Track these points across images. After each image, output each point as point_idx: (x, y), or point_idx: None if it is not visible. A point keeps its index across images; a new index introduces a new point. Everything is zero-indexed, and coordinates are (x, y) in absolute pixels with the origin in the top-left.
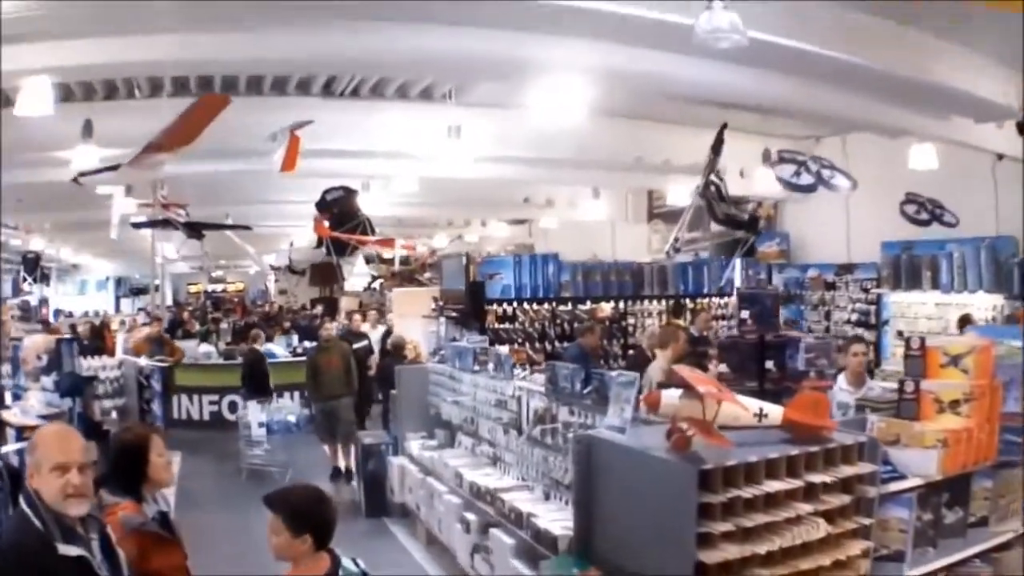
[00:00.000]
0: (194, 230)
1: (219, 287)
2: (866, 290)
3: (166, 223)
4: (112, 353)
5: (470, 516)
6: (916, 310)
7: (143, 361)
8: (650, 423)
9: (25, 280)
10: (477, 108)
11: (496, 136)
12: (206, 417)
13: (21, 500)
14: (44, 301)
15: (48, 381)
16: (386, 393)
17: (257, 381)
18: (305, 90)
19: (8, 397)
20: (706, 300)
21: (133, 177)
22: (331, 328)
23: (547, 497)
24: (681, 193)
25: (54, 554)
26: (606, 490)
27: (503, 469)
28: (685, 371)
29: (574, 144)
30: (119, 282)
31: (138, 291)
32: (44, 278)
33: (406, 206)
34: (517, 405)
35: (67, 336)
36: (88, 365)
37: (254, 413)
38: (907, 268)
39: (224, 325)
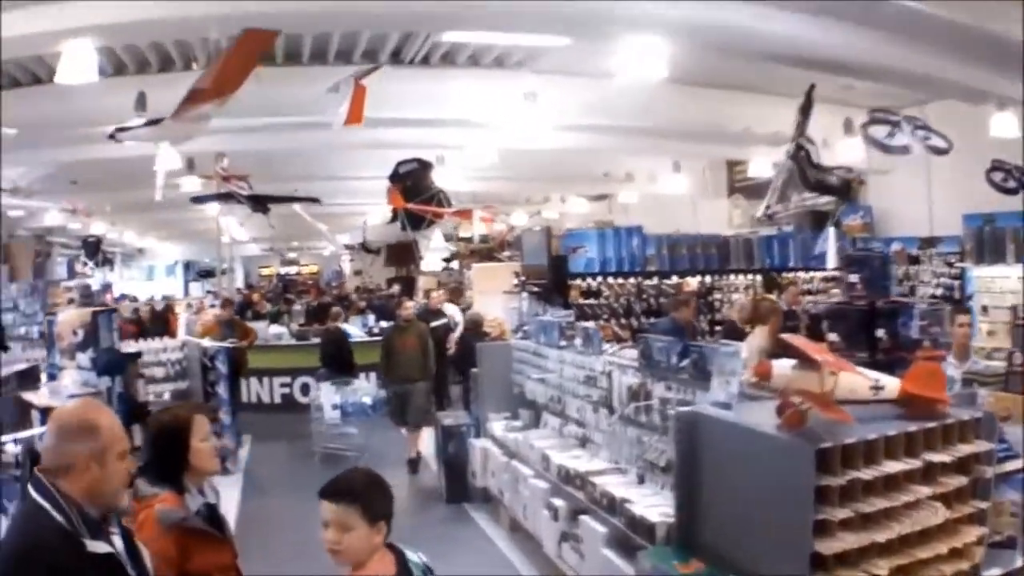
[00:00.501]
0: (258, 203)
1: (292, 269)
2: (950, 264)
3: (228, 196)
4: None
5: (558, 502)
6: (1000, 284)
7: (207, 342)
8: (757, 398)
9: (85, 264)
10: (552, 75)
11: (572, 104)
12: (277, 400)
13: (32, 492)
14: (108, 286)
15: (84, 358)
16: (466, 372)
17: (339, 360)
18: (372, 58)
19: (44, 377)
20: (791, 274)
21: (177, 132)
22: (410, 307)
23: (641, 481)
24: (763, 164)
25: (81, 551)
26: (710, 472)
27: (593, 451)
28: (799, 340)
29: (652, 112)
30: (187, 266)
31: (206, 274)
32: (106, 262)
33: (482, 180)
34: (607, 382)
35: (104, 308)
36: (147, 347)
37: (328, 395)
38: (990, 241)
39: (297, 307)
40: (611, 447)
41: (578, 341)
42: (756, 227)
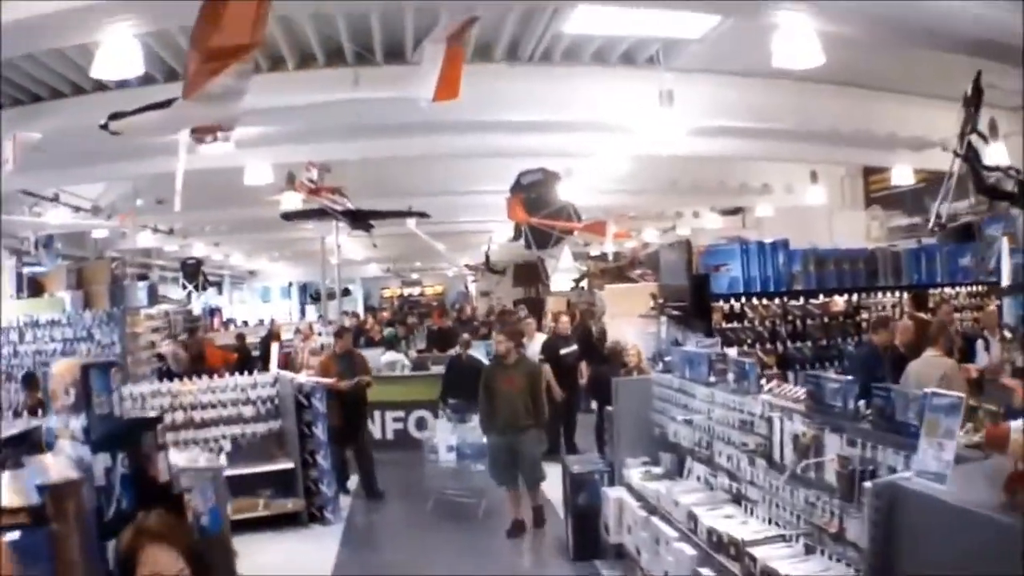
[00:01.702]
0: (357, 220)
1: (416, 290)
2: None
3: (322, 213)
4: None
5: (707, 573)
6: None
7: (302, 377)
8: (967, 459)
9: (185, 288)
10: (688, 73)
11: (710, 105)
12: (389, 435)
13: None
14: (215, 310)
15: (77, 425)
16: (600, 408)
17: (466, 392)
18: (486, 55)
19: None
20: (938, 290)
21: (198, 116)
22: (503, 342)
23: (809, 551)
24: (905, 172)
25: None
26: (915, 560)
27: (748, 508)
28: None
29: (793, 113)
30: (304, 288)
31: (319, 296)
32: (208, 285)
33: (612, 194)
34: (767, 428)
35: (100, 361)
36: (234, 383)
37: (443, 433)
38: None
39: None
40: (770, 505)
41: (730, 376)
42: (894, 240)
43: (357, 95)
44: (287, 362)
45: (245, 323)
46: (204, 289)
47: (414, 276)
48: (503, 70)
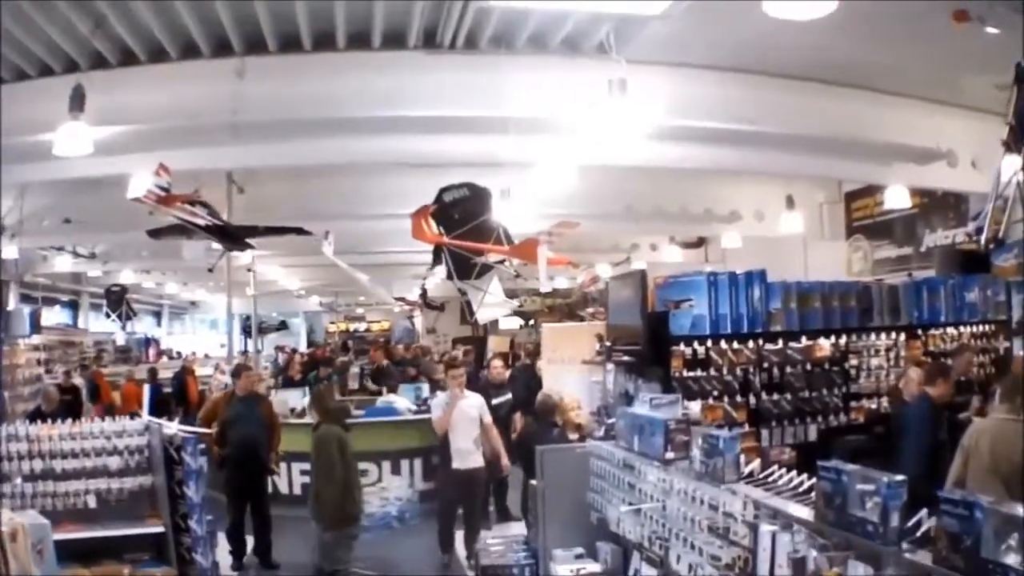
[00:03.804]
0: (227, 237)
1: (361, 325)
2: None
3: (175, 229)
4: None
5: None
6: None
7: (173, 427)
8: None
9: (108, 317)
10: (645, 65)
11: (670, 103)
12: (296, 490)
13: None
14: (150, 341)
15: None
16: (527, 471)
17: None
18: (399, 42)
19: None
20: (939, 330)
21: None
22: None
23: None
24: (901, 194)
25: None
26: None
27: None
28: None
29: (771, 115)
30: (247, 320)
31: (265, 329)
32: (134, 315)
33: (554, 219)
34: (751, 537)
35: None
36: (99, 429)
37: None
38: None
39: (354, 369)
40: None
41: (696, 453)
42: (879, 274)
43: (242, 88)
44: (201, 400)
45: (178, 354)
46: (129, 319)
47: (359, 311)
48: (419, 59)
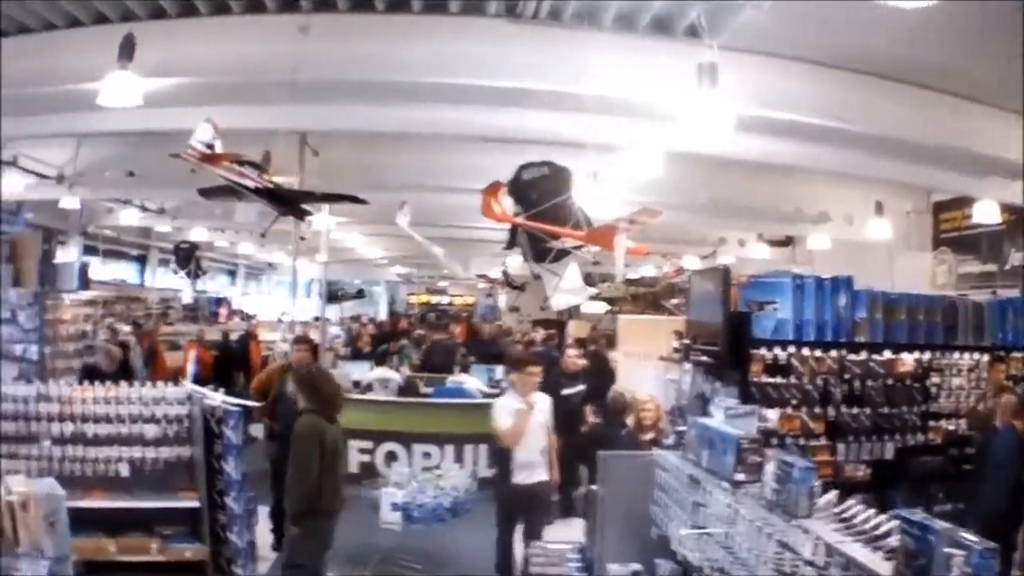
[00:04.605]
0: (280, 201)
1: (444, 298)
2: None
3: (226, 189)
4: (256, 371)
5: None
6: None
7: (218, 398)
8: None
9: (176, 273)
10: (736, 53)
11: (762, 94)
12: (353, 468)
13: None
14: (221, 300)
15: None
16: (592, 472)
17: None
18: (478, 8)
19: None
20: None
21: None
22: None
23: None
24: (990, 209)
25: None
26: None
27: None
28: None
29: (867, 115)
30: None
31: (338, 296)
32: (203, 273)
33: (639, 206)
34: None
35: None
36: (137, 395)
37: (391, 487)
38: None
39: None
40: None
41: (768, 477)
42: (962, 289)
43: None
44: (263, 366)
45: (247, 316)
46: (198, 276)
47: (440, 284)
48: (499, 27)
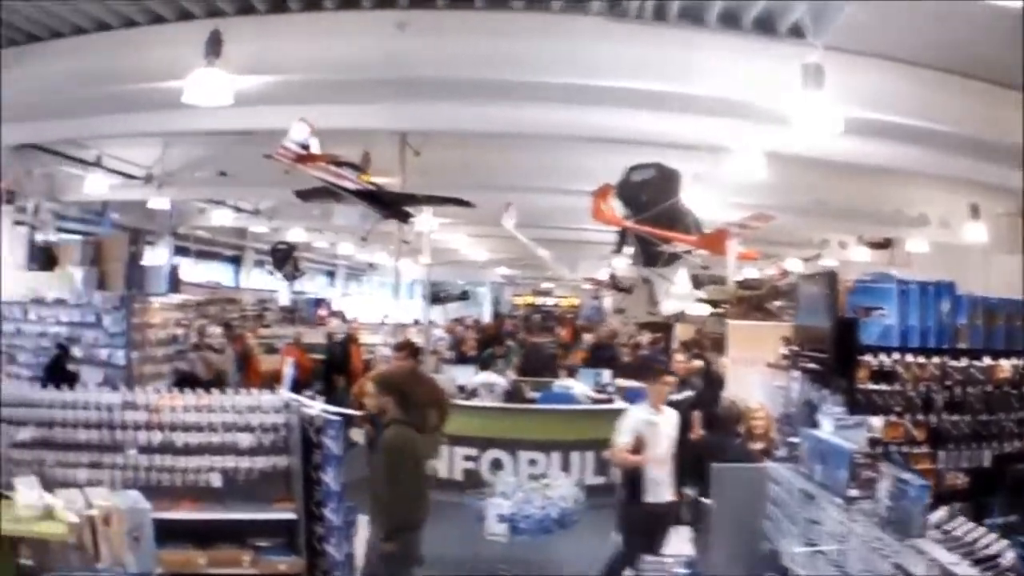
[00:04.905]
0: (381, 203)
1: (549, 300)
2: None
3: (324, 191)
4: (358, 376)
5: None
6: None
7: (317, 406)
8: None
9: (272, 274)
10: (841, 53)
11: (867, 96)
12: (457, 475)
13: None
14: (319, 301)
15: None
16: (701, 485)
17: None
18: (582, 7)
19: None
20: None
21: None
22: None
23: None
24: None
25: None
26: None
27: None
28: None
29: (974, 119)
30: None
31: (441, 298)
32: (301, 274)
33: (744, 209)
34: None
35: None
36: (230, 403)
37: (497, 497)
38: None
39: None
40: None
41: (882, 494)
42: None
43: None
44: (365, 370)
45: (349, 320)
46: (295, 277)
47: (545, 285)
48: (602, 26)
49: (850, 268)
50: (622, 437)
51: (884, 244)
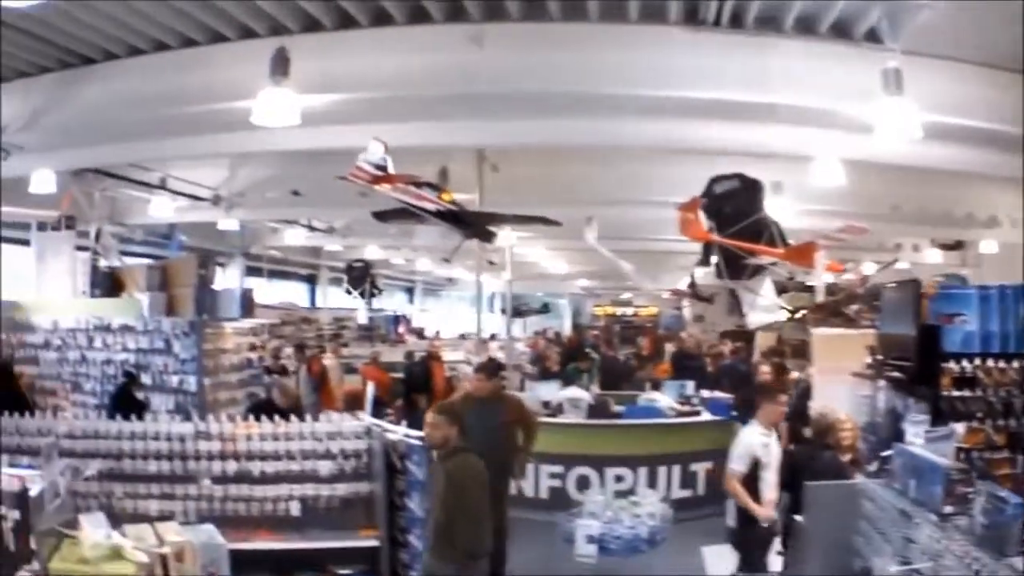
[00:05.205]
0: (462, 223)
1: (628, 310)
2: None
3: (403, 212)
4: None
5: None
6: None
7: (400, 431)
8: None
9: (349, 293)
10: (917, 57)
11: (946, 101)
12: (543, 493)
13: None
14: (399, 318)
15: None
16: (793, 503)
17: None
18: (659, 16)
19: None
20: None
21: None
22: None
23: None
24: None
25: None
26: None
27: None
28: None
29: None
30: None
31: (521, 311)
32: (379, 291)
33: (819, 216)
34: None
35: None
36: (309, 430)
37: (585, 518)
38: None
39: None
40: None
41: (977, 510)
42: None
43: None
44: (450, 390)
45: (421, 335)
46: (373, 295)
47: (624, 296)
48: (680, 36)
49: (924, 270)
50: (738, 465)
51: (955, 246)
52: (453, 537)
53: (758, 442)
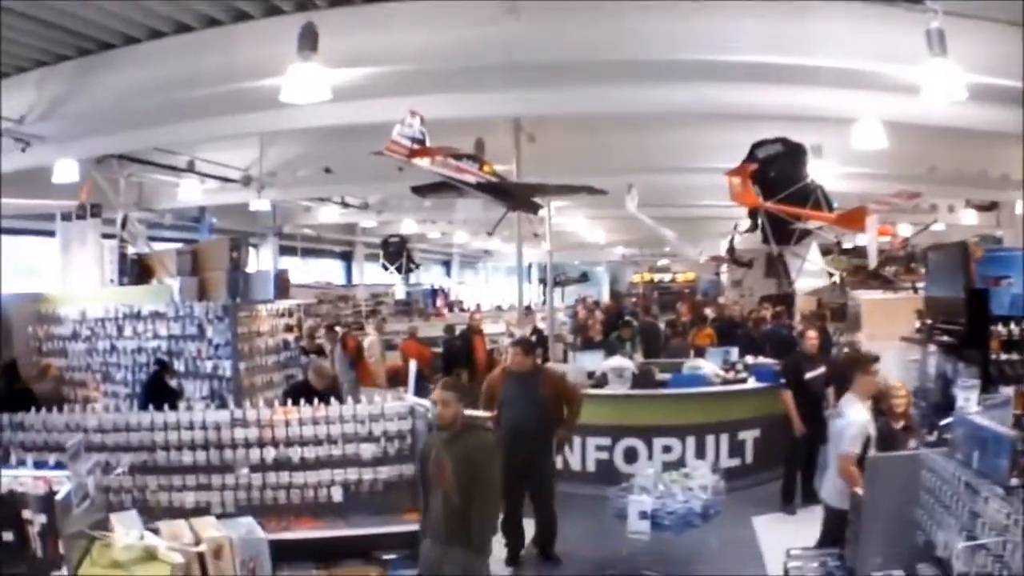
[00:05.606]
0: (506, 196)
1: (666, 276)
2: None
3: (443, 186)
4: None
5: None
6: None
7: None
8: None
9: (386, 269)
10: (960, 19)
11: (989, 62)
12: (590, 467)
13: None
14: (437, 291)
15: None
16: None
17: None
18: None
19: None
20: None
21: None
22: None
23: None
24: None
25: None
26: None
27: None
28: None
29: None
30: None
31: (560, 281)
32: (416, 266)
33: (858, 179)
34: None
35: None
36: (350, 413)
37: (637, 493)
38: None
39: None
40: None
41: None
42: None
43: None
44: (492, 364)
45: (462, 309)
46: (410, 270)
47: (662, 262)
48: (720, 1)
49: (958, 231)
50: (853, 447)
51: (990, 206)
52: (470, 523)
53: (868, 419)
